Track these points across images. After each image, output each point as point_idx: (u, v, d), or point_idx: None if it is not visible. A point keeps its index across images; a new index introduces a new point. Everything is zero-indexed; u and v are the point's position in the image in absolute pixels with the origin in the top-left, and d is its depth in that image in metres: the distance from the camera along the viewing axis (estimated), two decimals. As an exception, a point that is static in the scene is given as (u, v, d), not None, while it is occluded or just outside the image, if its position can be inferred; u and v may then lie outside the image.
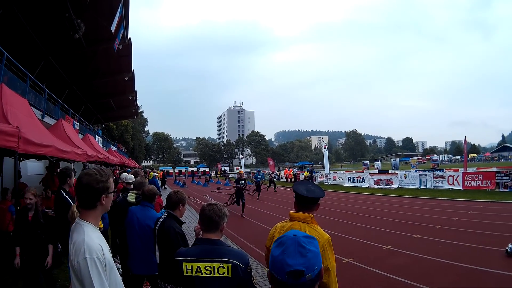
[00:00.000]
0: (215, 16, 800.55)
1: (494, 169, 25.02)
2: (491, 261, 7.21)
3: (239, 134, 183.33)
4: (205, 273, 2.30)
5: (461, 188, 22.41)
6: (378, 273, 6.83)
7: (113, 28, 14.59)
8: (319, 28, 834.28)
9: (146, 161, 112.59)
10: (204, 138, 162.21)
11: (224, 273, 2.28)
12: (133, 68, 23.20)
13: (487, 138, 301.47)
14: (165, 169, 66.92)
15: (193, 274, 2.31)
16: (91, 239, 1.93)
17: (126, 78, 24.31)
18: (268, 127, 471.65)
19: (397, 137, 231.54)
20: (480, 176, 22.15)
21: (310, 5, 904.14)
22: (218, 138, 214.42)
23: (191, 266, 2.33)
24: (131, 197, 5.39)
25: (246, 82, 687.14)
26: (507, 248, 7.57)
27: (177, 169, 64.99)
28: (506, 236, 9.01)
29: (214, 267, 2.30)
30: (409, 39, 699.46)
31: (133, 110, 38.49)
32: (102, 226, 5.39)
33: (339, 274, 2.59)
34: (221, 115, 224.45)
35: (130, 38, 19.19)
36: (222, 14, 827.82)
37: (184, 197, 3.77)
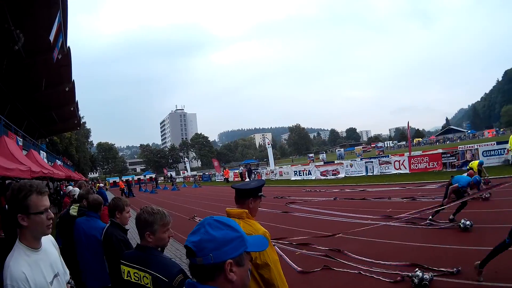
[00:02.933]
0: (154, 20, 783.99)
1: (440, 150, 26.64)
2: (446, 238, 7.59)
3: (182, 138, 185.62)
4: (134, 279, 2.36)
5: (408, 171, 23.63)
6: (332, 261, 6.93)
7: (51, 37, 13.87)
8: (261, 26, 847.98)
9: (92, 173, 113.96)
10: (148, 145, 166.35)
11: (147, 283, 2.29)
12: (73, 78, 22.77)
13: (432, 123, 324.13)
14: (112, 179, 68.83)
15: (125, 277, 2.41)
16: (16, 265, 1.88)
17: (67, 89, 23.81)
18: (212, 128, 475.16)
19: (341, 128, 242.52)
20: (426, 158, 23.55)
21: (252, 4, 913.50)
22: (162, 144, 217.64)
23: (125, 270, 2.42)
24: (73, 210, 5.44)
25: (189, 85, 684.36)
26: (459, 223, 8.01)
27: (123, 179, 63.77)
28: (459, 213, 9.44)
29: (140, 275, 2.34)
30: (352, 31, 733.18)
31: (76, 122, 38.38)
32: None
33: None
34: (164, 120, 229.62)
35: (69, 47, 18.75)
36: (162, 17, 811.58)
37: (121, 204, 3.74)
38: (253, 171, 41.50)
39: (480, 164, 14.76)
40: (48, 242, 2.27)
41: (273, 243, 8.06)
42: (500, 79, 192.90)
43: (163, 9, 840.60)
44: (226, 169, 51.55)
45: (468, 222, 7.89)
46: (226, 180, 45.39)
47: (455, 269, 5.59)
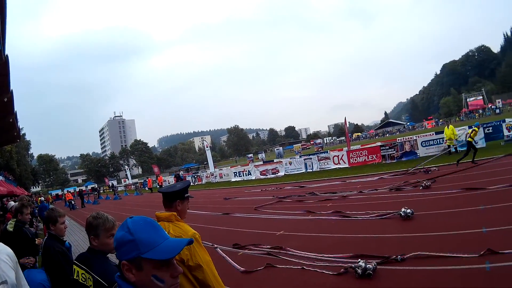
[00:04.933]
0: (94, 24, 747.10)
1: (379, 143, 27.74)
2: (388, 227, 7.79)
3: (122, 145, 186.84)
4: (81, 279, 2.53)
5: (347, 166, 24.50)
6: (275, 258, 6.95)
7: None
8: (198, 29, 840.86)
9: (34, 186, 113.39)
10: (88, 154, 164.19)
11: (91, 285, 2.46)
12: (12, 87, 21.13)
13: (372, 118, 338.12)
14: (55, 192, 70.38)
15: (74, 277, 2.58)
16: None
17: (5, 100, 21.98)
18: (151, 134, 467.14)
19: (280, 127, 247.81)
20: (365, 152, 24.55)
21: (189, 7, 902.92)
22: (102, 152, 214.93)
23: (75, 270, 2.61)
24: (10, 225, 5.53)
25: (128, 91, 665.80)
26: (400, 212, 8.26)
27: (65, 191, 61.03)
28: (400, 202, 9.89)
29: (86, 276, 2.52)
30: (292, 32, 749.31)
31: (15, 134, 35.69)
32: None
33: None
34: (103, 128, 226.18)
35: (7, 55, 17.13)
36: (102, 21, 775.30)
37: (53, 215, 3.83)
38: (181, 176, 41.43)
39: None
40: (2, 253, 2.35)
41: (216, 246, 8.08)
42: (438, 72, 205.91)
43: (103, 12, 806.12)
44: (160, 176, 50.34)
45: (409, 210, 8.13)
46: (151, 190, 44.13)
47: (399, 256, 5.68)
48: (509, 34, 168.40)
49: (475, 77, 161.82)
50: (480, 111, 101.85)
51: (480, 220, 7.07)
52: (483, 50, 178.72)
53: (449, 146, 19.90)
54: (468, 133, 16.21)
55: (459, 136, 20.84)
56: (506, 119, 22.76)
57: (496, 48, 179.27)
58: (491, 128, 22.00)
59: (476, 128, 16.05)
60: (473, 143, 15.47)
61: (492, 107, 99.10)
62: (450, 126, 20.72)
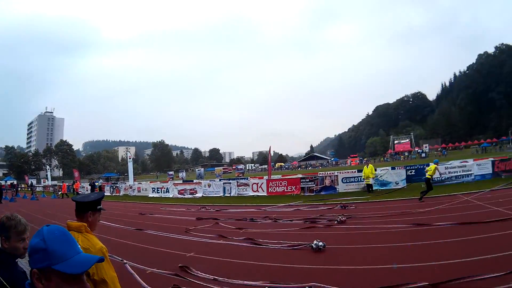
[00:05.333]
0: (47, 8, 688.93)
1: (299, 175, 28.45)
2: (299, 258, 7.86)
3: (47, 143, 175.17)
4: None
5: (265, 194, 24.82)
6: (182, 280, 6.76)
7: None
8: (148, 35, 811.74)
9: None
10: (13, 147, 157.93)
11: None
12: None
13: (297, 149, 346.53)
14: None
15: None
16: None
17: None
18: (77, 136, 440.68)
19: (205, 148, 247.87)
20: (285, 182, 25.04)
21: (142, 11, 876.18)
22: (27, 147, 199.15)
23: None
24: None
25: (63, 86, 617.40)
26: (312, 244, 8.38)
27: None
28: (313, 234, 10.00)
29: None
30: (236, 52, 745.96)
31: None
32: None
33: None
34: (32, 122, 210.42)
35: None
36: (55, 6, 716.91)
37: None
38: (96, 185, 39.57)
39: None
40: None
41: (125, 262, 7.70)
42: (370, 112, 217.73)
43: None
44: (77, 182, 47.66)
45: (320, 243, 8.26)
46: (63, 195, 40.70)
47: (306, 286, 5.73)
48: (447, 84, 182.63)
49: (406, 121, 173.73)
50: (406, 154, 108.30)
51: (391, 256, 7.41)
52: (419, 97, 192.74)
53: (367, 184, 20.87)
54: (427, 170, 16.89)
55: (381, 176, 22.28)
56: (430, 163, 24.35)
57: (432, 96, 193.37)
58: (414, 170, 23.29)
59: (433, 166, 16.76)
60: (431, 180, 16.19)
61: (419, 151, 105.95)
62: (370, 165, 21.84)
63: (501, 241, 7.83)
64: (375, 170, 22.46)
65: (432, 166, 16.67)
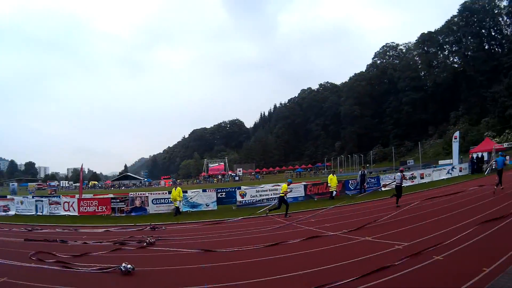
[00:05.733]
0: None
1: (111, 195, 27.92)
2: (106, 282, 7.97)
3: None
4: None
5: (77, 214, 23.69)
6: None
7: None
8: None
9: None
10: None
11: None
12: None
13: (112, 168, 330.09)
14: None
15: None
16: None
17: None
18: None
19: (22, 161, 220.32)
20: (96, 202, 24.33)
21: None
22: None
23: None
24: None
25: None
26: (121, 267, 8.30)
27: None
28: (122, 256, 10.12)
29: None
30: (59, 61, 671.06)
31: None
32: None
33: None
34: None
35: None
36: None
37: None
38: None
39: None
40: None
41: None
42: (186, 136, 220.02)
43: None
44: None
45: (129, 266, 8.26)
46: None
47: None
48: (266, 114, 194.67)
49: (221, 146, 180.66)
50: (220, 177, 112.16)
51: (202, 277, 7.86)
52: (236, 123, 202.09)
53: (176, 207, 21.33)
54: (281, 189, 18.34)
55: (191, 198, 23.11)
56: (241, 186, 25.95)
57: (250, 124, 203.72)
58: (224, 193, 24.25)
59: (284, 185, 18.40)
60: (285, 197, 17.88)
61: (232, 174, 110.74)
62: (178, 188, 22.23)
63: (309, 258, 9.03)
64: (186, 192, 23.43)
65: (284, 185, 18.44)
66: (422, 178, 31.71)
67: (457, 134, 44.89)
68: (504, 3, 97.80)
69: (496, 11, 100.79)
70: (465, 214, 13.29)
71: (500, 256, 7.33)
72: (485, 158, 40.52)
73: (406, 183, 23.23)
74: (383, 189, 25.18)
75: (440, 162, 61.54)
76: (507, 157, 37.07)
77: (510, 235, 9.35)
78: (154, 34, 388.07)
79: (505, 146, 46.52)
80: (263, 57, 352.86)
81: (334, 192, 23.89)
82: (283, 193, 18.02)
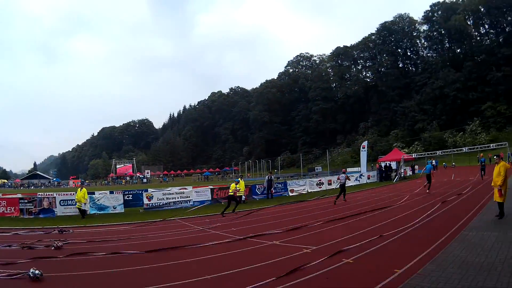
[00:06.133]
0: None
1: (19, 195, 26.26)
2: None
3: None
4: None
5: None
6: None
7: None
8: None
9: None
10: None
11: None
12: None
13: (22, 165, 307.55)
14: None
15: None
16: None
17: None
18: None
19: None
20: (4, 202, 22.45)
21: None
22: None
23: None
24: None
25: None
26: (29, 273, 7.88)
27: None
28: (31, 261, 9.52)
29: None
30: None
31: None
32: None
33: None
34: None
35: None
36: None
37: None
38: None
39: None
40: None
41: None
42: (95, 134, 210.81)
43: None
44: None
45: (37, 271, 7.84)
46: None
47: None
48: (175, 115, 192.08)
49: (130, 146, 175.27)
50: (128, 178, 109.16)
51: (111, 282, 7.70)
52: (145, 123, 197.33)
53: (79, 208, 20.41)
54: (230, 188, 19.80)
55: (98, 200, 22.32)
56: (148, 189, 25.50)
57: (159, 124, 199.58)
58: (131, 195, 23.64)
59: (233, 184, 19.98)
60: (234, 196, 19.54)
61: (140, 176, 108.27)
62: (83, 189, 21.22)
63: (215, 262, 9.00)
64: (93, 193, 22.87)
65: (232, 184, 20.15)
66: (329, 184, 33.18)
67: (365, 143, 48.23)
68: (424, 27, 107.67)
69: (414, 34, 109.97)
70: (375, 219, 14.20)
71: (412, 259, 7.82)
72: (393, 167, 43.42)
73: (349, 183, 25.37)
74: (290, 194, 27.26)
75: (349, 169, 64.75)
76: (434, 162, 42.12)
77: (421, 239, 10.03)
78: (75, 21, 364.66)
79: (414, 156, 49.92)
80: (177, 56, 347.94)
81: (244, 197, 24.09)
82: (232, 192, 19.61)
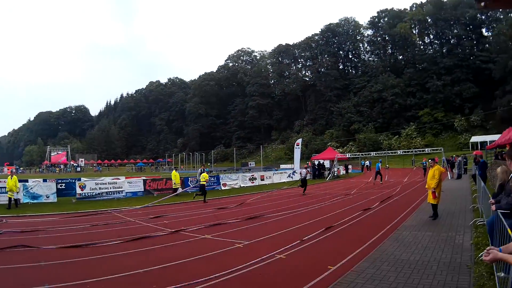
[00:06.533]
0: None
1: None
2: None
3: None
4: None
5: None
6: None
7: None
8: None
9: None
10: None
11: None
12: None
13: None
14: None
15: None
16: None
17: None
18: None
19: None
20: None
21: None
22: None
23: None
24: None
25: None
26: None
27: None
28: None
29: None
30: None
31: None
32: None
33: None
34: None
35: None
36: None
37: None
38: None
39: None
40: None
41: None
42: (32, 119, 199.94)
43: None
44: None
45: None
46: None
47: None
48: (112, 102, 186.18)
49: (65, 133, 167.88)
50: (62, 166, 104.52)
51: (41, 276, 7.04)
52: (82, 110, 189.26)
53: (10, 198, 18.57)
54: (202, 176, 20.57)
55: (31, 188, 20.82)
56: (81, 178, 24.32)
57: (95, 111, 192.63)
58: (64, 184, 22.50)
59: (205, 174, 20.88)
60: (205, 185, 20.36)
61: (74, 164, 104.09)
62: (14, 177, 19.24)
63: (142, 257, 8.49)
64: (26, 181, 21.62)
65: (204, 174, 20.98)
66: (262, 180, 33.45)
67: (299, 141, 49.16)
68: (369, 32, 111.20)
69: (358, 37, 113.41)
70: (309, 215, 14.21)
71: (345, 256, 7.80)
72: (327, 166, 44.46)
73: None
74: (223, 188, 27.77)
75: (282, 166, 65.74)
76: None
77: (354, 236, 10.06)
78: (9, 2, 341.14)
79: (347, 156, 50.91)
80: (118, 43, 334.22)
81: (180, 189, 24.00)
82: (204, 181, 20.39)
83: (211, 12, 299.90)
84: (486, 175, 16.88)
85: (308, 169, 24.72)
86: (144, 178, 26.80)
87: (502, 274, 5.32)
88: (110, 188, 23.31)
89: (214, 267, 7.16)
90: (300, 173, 25.57)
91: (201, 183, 20.56)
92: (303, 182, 24.12)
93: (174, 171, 25.09)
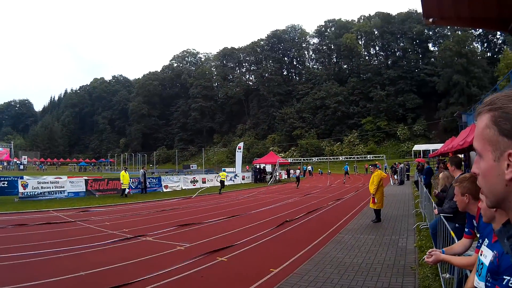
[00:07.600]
0: None
1: None
2: None
3: None
4: None
5: None
6: None
7: None
8: None
9: None
10: None
11: None
12: None
13: None
14: None
15: None
16: None
17: None
18: None
19: None
20: None
21: None
22: None
23: None
24: None
25: None
26: None
27: None
28: None
29: None
30: None
31: None
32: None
33: None
34: None
35: None
36: None
37: None
38: None
39: None
40: None
41: None
42: None
43: None
44: None
45: None
46: None
47: None
48: (56, 98, 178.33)
49: (9, 128, 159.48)
50: (5, 163, 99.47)
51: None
52: (25, 104, 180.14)
53: None
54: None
55: None
56: (24, 176, 23.19)
57: (39, 106, 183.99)
58: (6, 182, 21.88)
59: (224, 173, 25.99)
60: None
61: (17, 162, 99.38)
62: None
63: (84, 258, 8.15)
64: None
65: (223, 173, 28.56)
66: (204, 182, 33.50)
67: (241, 144, 49.46)
68: (315, 40, 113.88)
69: (304, 45, 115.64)
70: (251, 218, 14.16)
71: (287, 259, 7.74)
72: (268, 170, 45.15)
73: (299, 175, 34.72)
74: (164, 190, 27.95)
75: (228, 170, 65.66)
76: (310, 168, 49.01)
77: (296, 240, 10.01)
78: None
79: (289, 161, 51.46)
80: (63, 35, 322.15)
81: (127, 190, 23.84)
82: (223, 178, 27.76)
83: (159, 10, 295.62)
84: (430, 181, 17.47)
85: (301, 170, 36.64)
86: (86, 178, 26.02)
87: (447, 275, 5.43)
88: (52, 188, 22.62)
89: (152, 271, 6.91)
90: (295, 173, 35.33)
91: (221, 179, 27.43)
92: (297, 179, 33.57)
93: (123, 171, 24.41)
